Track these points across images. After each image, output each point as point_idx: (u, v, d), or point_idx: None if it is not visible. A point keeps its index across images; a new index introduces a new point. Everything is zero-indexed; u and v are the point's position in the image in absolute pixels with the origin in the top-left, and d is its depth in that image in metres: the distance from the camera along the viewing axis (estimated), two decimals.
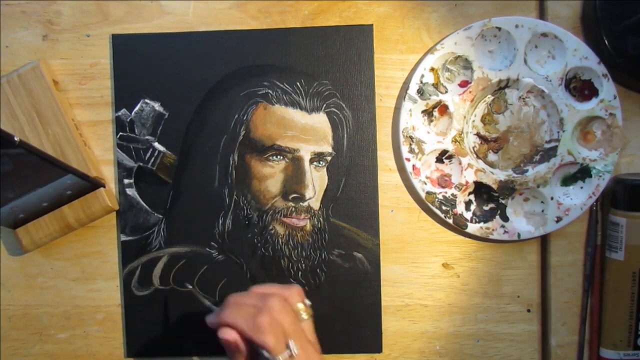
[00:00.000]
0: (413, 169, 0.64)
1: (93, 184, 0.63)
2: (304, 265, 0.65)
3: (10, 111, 0.64)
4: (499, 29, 0.62)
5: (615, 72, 0.62)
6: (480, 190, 0.65)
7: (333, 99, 0.65)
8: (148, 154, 0.66)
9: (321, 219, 0.65)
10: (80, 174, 0.61)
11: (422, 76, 0.63)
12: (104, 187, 0.64)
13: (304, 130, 0.65)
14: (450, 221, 0.64)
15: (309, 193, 0.65)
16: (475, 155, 0.65)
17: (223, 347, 0.52)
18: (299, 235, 0.65)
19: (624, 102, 0.63)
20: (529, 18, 0.62)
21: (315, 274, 0.65)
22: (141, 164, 0.66)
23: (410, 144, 0.63)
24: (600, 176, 0.62)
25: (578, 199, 0.63)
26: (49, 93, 0.64)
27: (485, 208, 0.65)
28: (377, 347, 0.66)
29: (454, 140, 0.64)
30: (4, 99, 0.63)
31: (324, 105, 0.65)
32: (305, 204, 0.65)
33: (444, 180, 0.65)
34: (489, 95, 0.64)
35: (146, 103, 0.65)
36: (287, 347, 0.50)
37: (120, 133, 0.66)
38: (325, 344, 0.66)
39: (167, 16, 0.66)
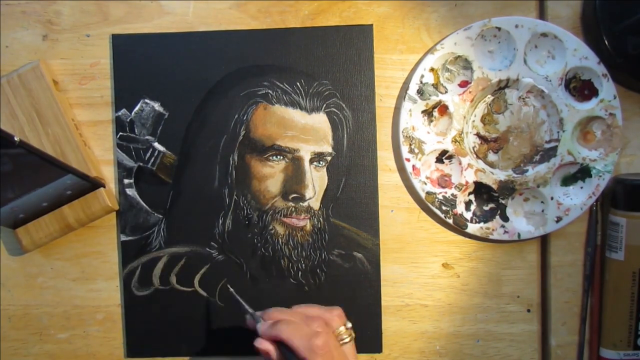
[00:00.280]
0: (413, 169, 0.64)
1: (93, 184, 0.63)
2: (304, 265, 0.65)
3: (10, 111, 0.64)
4: (499, 29, 0.62)
5: (615, 72, 0.62)
6: (480, 190, 0.65)
7: (333, 99, 0.65)
8: (148, 154, 0.66)
9: (321, 219, 0.65)
10: (80, 174, 0.61)
11: (422, 76, 0.63)
12: (104, 187, 0.64)
13: (304, 130, 0.65)
14: (450, 221, 0.64)
15: (309, 193, 0.65)
16: (475, 155, 0.65)
17: (258, 353, 0.54)
18: (299, 235, 0.65)
19: (624, 102, 0.63)
20: (528, 18, 0.62)
21: (315, 274, 0.65)
22: (141, 164, 0.66)
23: (410, 144, 0.63)
24: (600, 176, 0.62)
25: (578, 199, 0.63)
26: (49, 93, 0.64)
27: (485, 208, 0.65)
28: (377, 347, 0.66)
29: (454, 141, 0.64)
30: (4, 99, 0.63)
31: (324, 105, 0.65)
32: (305, 204, 0.65)
33: (444, 181, 0.65)
34: (489, 95, 0.64)
35: (146, 103, 0.65)
36: None
37: (120, 133, 0.66)
38: None
39: (167, 16, 0.66)
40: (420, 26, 0.65)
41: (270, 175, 0.65)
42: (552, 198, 0.63)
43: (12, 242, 0.66)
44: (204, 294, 0.66)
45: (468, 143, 0.65)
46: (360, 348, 0.65)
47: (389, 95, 0.65)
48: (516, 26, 0.62)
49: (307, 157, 0.65)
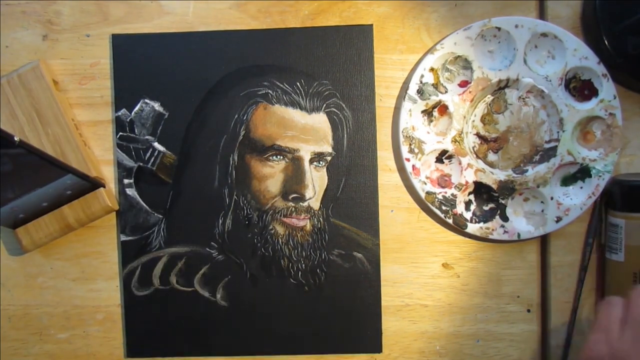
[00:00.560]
0: (413, 169, 0.64)
1: (93, 184, 0.63)
2: (304, 265, 0.65)
3: (10, 111, 0.64)
4: (499, 29, 0.62)
5: (615, 72, 0.62)
6: (480, 190, 0.65)
7: (333, 99, 0.65)
8: (148, 154, 0.66)
9: (321, 219, 0.65)
10: (80, 174, 0.61)
11: (422, 76, 0.63)
12: (104, 187, 0.64)
13: (304, 130, 0.65)
14: (450, 221, 0.64)
15: (309, 193, 0.65)
16: (475, 155, 0.65)
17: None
18: (299, 235, 0.65)
19: (624, 102, 0.63)
20: (528, 18, 0.62)
21: (315, 274, 0.65)
22: (141, 164, 0.66)
23: (410, 144, 0.63)
24: (600, 176, 0.62)
25: (578, 199, 0.63)
26: (49, 93, 0.64)
27: (485, 208, 0.65)
28: (377, 347, 0.66)
29: (454, 140, 0.64)
30: (4, 99, 0.63)
31: (324, 105, 0.65)
32: (305, 204, 0.65)
33: (443, 180, 0.65)
34: (489, 95, 0.64)
35: (146, 103, 0.65)
36: None
37: (120, 133, 0.66)
38: (325, 344, 0.66)
39: (167, 16, 0.66)
40: (420, 26, 0.65)
41: (270, 175, 0.65)
42: (552, 198, 0.63)
43: (12, 242, 0.66)
44: (204, 294, 0.66)
45: (468, 143, 0.65)
46: (360, 348, 0.66)
47: (389, 95, 0.65)
48: (516, 26, 0.62)
49: (307, 157, 0.65)
